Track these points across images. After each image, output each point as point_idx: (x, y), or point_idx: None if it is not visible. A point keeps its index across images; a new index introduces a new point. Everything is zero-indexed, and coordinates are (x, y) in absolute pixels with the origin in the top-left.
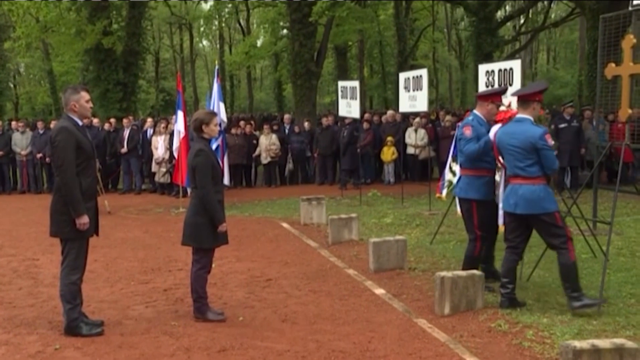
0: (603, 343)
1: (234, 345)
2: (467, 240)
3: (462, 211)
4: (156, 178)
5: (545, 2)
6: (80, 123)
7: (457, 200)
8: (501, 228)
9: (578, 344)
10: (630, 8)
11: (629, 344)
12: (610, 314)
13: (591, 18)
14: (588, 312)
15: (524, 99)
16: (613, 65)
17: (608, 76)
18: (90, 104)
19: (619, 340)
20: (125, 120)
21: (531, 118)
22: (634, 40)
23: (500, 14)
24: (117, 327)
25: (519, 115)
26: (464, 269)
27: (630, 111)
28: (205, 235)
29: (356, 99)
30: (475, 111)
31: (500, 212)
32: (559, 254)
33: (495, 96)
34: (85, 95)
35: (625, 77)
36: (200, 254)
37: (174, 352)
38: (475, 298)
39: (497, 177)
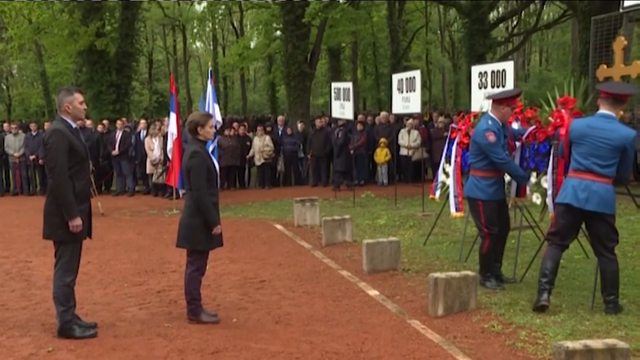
0: (595, 343)
1: (227, 347)
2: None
3: (470, 209)
4: (153, 179)
5: (538, 4)
6: (73, 125)
7: (451, 200)
8: (551, 215)
9: (570, 344)
10: (621, 10)
11: (621, 344)
12: (603, 314)
13: (583, 20)
14: (581, 313)
15: (617, 97)
16: (604, 66)
17: (600, 78)
18: (84, 106)
19: (610, 341)
20: (118, 122)
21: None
22: (625, 42)
23: (493, 15)
24: (111, 329)
25: (607, 112)
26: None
27: (622, 113)
28: (199, 237)
29: (349, 100)
30: (490, 114)
31: (551, 207)
32: (607, 260)
33: (510, 99)
34: (78, 97)
35: (616, 79)
36: (194, 256)
37: (167, 354)
38: (468, 299)
39: (508, 178)
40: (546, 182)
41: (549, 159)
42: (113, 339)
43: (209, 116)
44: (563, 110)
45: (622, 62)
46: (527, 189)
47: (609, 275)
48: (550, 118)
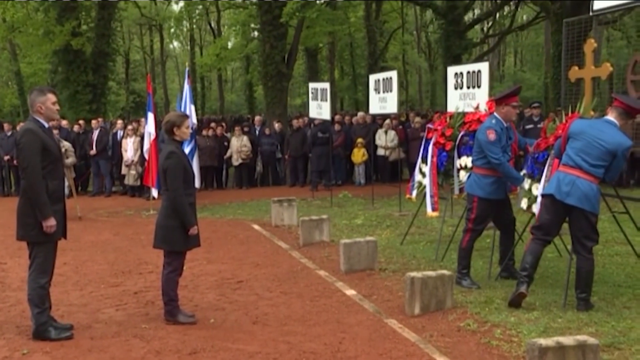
0: (567, 340)
1: (205, 347)
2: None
3: (467, 203)
4: (125, 181)
5: (512, 6)
6: (46, 125)
7: (427, 200)
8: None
9: (543, 341)
10: (590, 13)
11: (591, 340)
12: (575, 311)
13: (555, 22)
14: (554, 310)
15: (628, 111)
16: (576, 68)
17: (571, 79)
18: (57, 106)
19: (581, 337)
20: (94, 122)
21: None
22: (595, 45)
23: (468, 17)
24: (87, 331)
25: (612, 119)
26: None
27: (592, 113)
28: (176, 238)
29: (327, 100)
30: (495, 114)
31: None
32: (584, 259)
33: (508, 98)
34: (51, 97)
35: (587, 80)
36: (171, 257)
37: (144, 355)
38: (444, 298)
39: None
40: (537, 190)
41: (544, 168)
42: (89, 341)
43: (185, 117)
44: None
45: (593, 64)
46: (518, 189)
47: (583, 274)
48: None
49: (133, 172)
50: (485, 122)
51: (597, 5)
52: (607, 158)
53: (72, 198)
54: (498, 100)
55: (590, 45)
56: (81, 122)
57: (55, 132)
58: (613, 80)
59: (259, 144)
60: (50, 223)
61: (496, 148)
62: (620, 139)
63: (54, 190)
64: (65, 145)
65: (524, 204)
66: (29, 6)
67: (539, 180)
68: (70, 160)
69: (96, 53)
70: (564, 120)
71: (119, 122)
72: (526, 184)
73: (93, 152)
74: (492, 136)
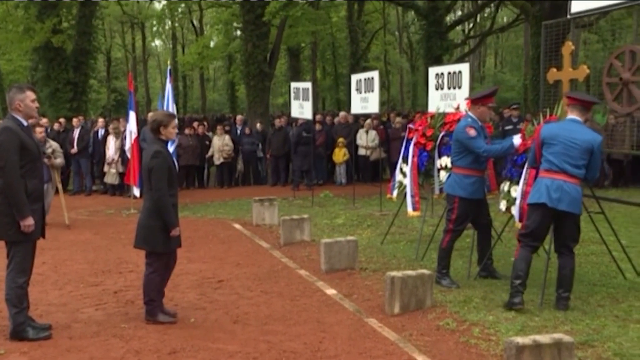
0: (543, 338)
1: (184, 347)
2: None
3: (447, 204)
4: (106, 179)
5: (493, 8)
6: (25, 123)
7: (408, 199)
8: (517, 225)
9: (521, 340)
10: (568, 16)
11: (566, 338)
12: (551, 310)
13: (534, 24)
14: (531, 309)
15: (584, 105)
16: (554, 70)
17: (550, 81)
18: (36, 104)
19: (557, 335)
20: (75, 120)
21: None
22: (573, 47)
23: (449, 18)
24: (66, 331)
25: (575, 117)
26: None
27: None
28: (158, 239)
29: (309, 100)
30: (470, 113)
31: (517, 216)
32: (567, 257)
33: (485, 98)
34: (30, 95)
35: (565, 82)
36: (152, 257)
37: (123, 355)
38: (424, 297)
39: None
40: (515, 192)
41: (522, 171)
42: (68, 341)
43: (172, 116)
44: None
45: (570, 66)
46: (499, 187)
47: (568, 273)
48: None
49: (114, 170)
50: (461, 122)
51: (574, 8)
52: (585, 157)
53: (60, 203)
54: (475, 100)
55: (568, 47)
56: (62, 120)
57: (41, 131)
58: (590, 82)
59: (241, 143)
60: (29, 222)
61: (479, 142)
62: (591, 135)
63: (33, 190)
64: (53, 145)
65: (502, 205)
66: (9, 3)
67: (517, 183)
68: (59, 161)
69: (77, 51)
70: (541, 122)
71: (100, 120)
72: (505, 186)
73: (74, 150)
74: (472, 132)
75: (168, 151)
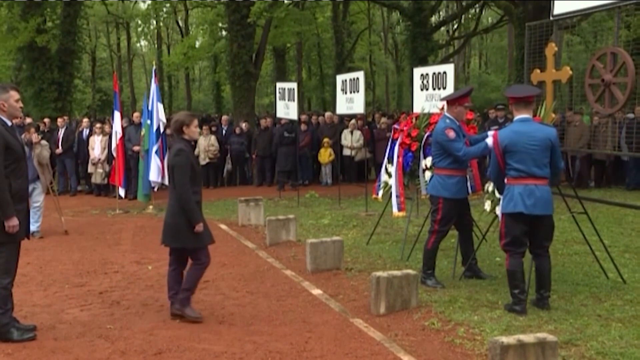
0: (527, 338)
1: (170, 347)
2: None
3: (431, 205)
4: (92, 179)
5: (477, 9)
6: (9, 123)
7: (393, 200)
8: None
9: (505, 339)
10: (551, 18)
11: (550, 337)
12: (535, 310)
13: (518, 26)
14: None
15: (526, 100)
16: (538, 71)
17: (534, 81)
18: (20, 104)
19: (541, 335)
20: (59, 120)
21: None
22: (556, 48)
23: (434, 19)
24: (51, 332)
25: (523, 116)
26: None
27: (553, 116)
28: (187, 235)
29: (294, 100)
30: (447, 114)
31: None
32: (544, 258)
33: (460, 99)
34: (14, 95)
35: (549, 83)
36: (198, 253)
37: (109, 356)
38: (409, 297)
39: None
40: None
41: None
42: (53, 342)
43: (194, 116)
44: None
45: (554, 67)
46: (484, 187)
47: (546, 273)
48: None
49: (100, 170)
50: (440, 123)
51: (557, 10)
52: (547, 154)
53: (52, 195)
54: (451, 100)
55: (551, 49)
56: (46, 120)
57: (33, 132)
58: (572, 83)
59: (229, 143)
60: (13, 223)
61: (458, 144)
62: (546, 131)
63: (18, 190)
64: (43, 144)
65: (487, 205)
66: None
67: None
68: (45, 153)
69: (62, 50)
70: (494, 131)
71: (85, 120)
72: (489, 186)
73: (59, 150)
74: (451, 134)
75: (191, 149)
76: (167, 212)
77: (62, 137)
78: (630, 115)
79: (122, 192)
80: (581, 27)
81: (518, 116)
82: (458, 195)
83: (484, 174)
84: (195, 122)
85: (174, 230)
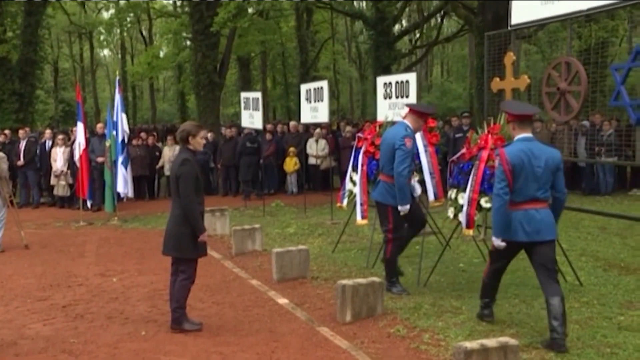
0: (490, 342)
1: None
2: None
3: (378, 213)
4: (55, 191)
5: (438, 19)
6: None
7: (357, 208)
8: (465, 232)
9: (469, 344)
10: (509, 27)
11: (512, 341)
12: (498, 314)
13: (478, 35)
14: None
15: (524, 119)
16: (498, 79)
17: (494, 90)
18: None
19: (503, 339)
20: (21, 132)
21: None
22: (514, 58)
23: (397, 28)
24: (12, 348)
25: (527, 135)
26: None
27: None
28: (189, 245)
29: (259, 109)
30: (406, 122)
31: (464, 222)
32: (554, 284)
33: (425, 115)
34: None
35: (508, 91)
36: (185, 264)
37: None
38: (375, 305)
39: (412, 181)
40: (462, 199)
41: (469, 178)
42: (14, 358)
43: (201, 127)
44: (489, 135)
45: (512, 76)
46: (446, 195)
47: (558, 304)
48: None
49: (63, 182)
50: (399, 130)
51: (514, 20)
52: (550, 177)
53: (11, 208)
54: (419, 112)
55: (509, 58)
56: (7, 131)
57: None
58: (531, 91)
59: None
60: None
61: (408, 159)
62: (552, 153)
63: None
64: (1, 156)
65: (450, 212)
66: None
67: (464, 190)
68: (4, 166)
69: (23, 61)
70: (485, 131)
71: (47, 131)
72: (452, 193)
73: (21, 162)
74: (409, 145)
75: (196, 160)
76: (171, 222)
77: (24, 149)
78: (586, 123)
79: (89, 203)
80: (538, 37)
81: (520, 135)
82: None
83: (445, 182)
84: (202, 133)
85: (176, 240)
